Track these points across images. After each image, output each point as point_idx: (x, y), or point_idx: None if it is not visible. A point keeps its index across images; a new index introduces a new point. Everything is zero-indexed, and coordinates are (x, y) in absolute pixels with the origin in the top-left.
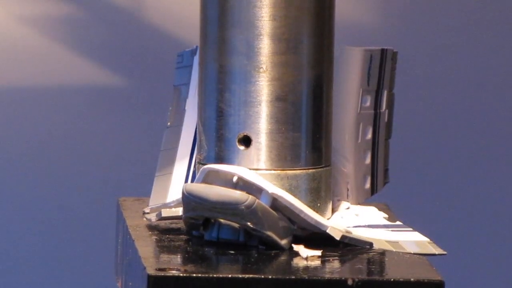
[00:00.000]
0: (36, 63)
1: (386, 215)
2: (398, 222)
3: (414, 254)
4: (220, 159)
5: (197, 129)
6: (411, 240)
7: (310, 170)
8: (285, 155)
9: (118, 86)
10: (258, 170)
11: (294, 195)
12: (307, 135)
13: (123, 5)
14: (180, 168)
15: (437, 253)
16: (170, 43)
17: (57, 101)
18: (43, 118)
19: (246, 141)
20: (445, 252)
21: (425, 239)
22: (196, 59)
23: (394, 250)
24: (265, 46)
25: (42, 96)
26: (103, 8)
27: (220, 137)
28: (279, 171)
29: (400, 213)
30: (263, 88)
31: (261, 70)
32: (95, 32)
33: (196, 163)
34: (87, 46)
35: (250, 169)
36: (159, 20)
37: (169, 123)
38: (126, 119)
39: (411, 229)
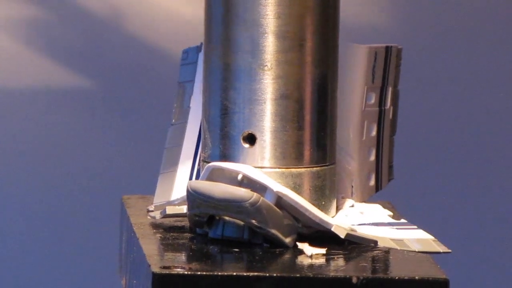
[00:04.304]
0: (37, 62)
1: (391, 213)
2: (402, 220)
3: (419, 252)
4: (224, 157)
5: (201, 127)
6: (416, 238)
7: (315, 168)
8: (289, 153)
9: (123, 83)
10: (263, 168)
11: (299, 193)
12: (312, 133)
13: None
14: (184, 165)
15: (441, 251)
16: (174, 41)
17: (62, 98)
18: (46, 116)
19: (251, 139)
20: (449, 250)
21: (429, 237)
22: (201, 56)
23: (399, 248)
24: (269, 44)
25: (45, 95)
26: (103, 5)
27: (225, 135)
28: (283, 169)
29: (404, 210)
30: (268, 86)
31: (265, 68)
32: (96, 30)
33: (201, 161)
34: (88, 44)
35: (254, 167)
36: (160, 18)
37: (173, 120)
38: (131, 115)
39: (415, 227)
